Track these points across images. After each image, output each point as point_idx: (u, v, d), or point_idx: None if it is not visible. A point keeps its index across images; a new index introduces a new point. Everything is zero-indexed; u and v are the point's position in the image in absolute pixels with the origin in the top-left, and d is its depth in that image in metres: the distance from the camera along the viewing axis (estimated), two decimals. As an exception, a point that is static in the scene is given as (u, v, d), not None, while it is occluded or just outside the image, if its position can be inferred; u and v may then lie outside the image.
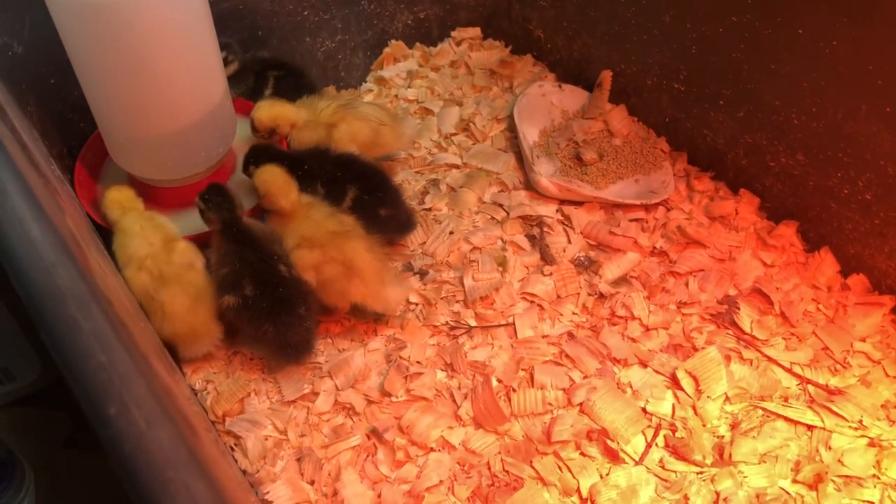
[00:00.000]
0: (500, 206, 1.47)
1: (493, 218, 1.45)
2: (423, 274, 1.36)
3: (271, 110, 1.36)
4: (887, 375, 1.21)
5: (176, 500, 0.47)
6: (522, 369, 1.23)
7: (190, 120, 1.20)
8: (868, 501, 1.09)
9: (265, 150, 1.33)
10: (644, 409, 1.18)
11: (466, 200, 1.47)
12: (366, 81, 1.75)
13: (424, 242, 1.41)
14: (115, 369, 0.50)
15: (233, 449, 1.16)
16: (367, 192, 1.29)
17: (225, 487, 0.68)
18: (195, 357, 1.23)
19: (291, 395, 1.21)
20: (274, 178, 1.23)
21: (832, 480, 1.10)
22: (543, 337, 1.28)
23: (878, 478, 1.11)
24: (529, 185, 1.49)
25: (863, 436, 1.15)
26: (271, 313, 1.16)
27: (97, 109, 1.20)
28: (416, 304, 1.32)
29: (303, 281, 1.19)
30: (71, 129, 1.37)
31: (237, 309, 1.16)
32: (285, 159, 1.31)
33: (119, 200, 1.21)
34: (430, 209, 1.47)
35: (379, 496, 1.10)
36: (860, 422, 1.16)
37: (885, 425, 1.16)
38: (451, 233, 1.42)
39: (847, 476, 1.11)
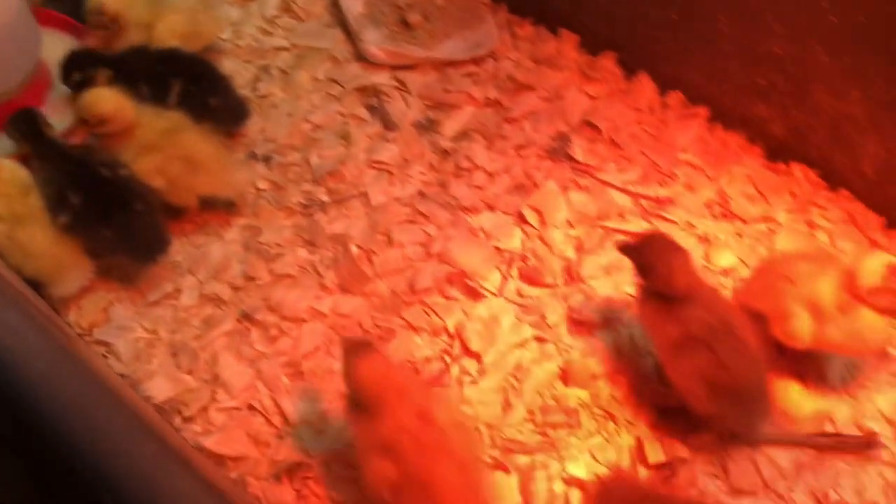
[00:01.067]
0: (335, 81, 1.47)
1: (329, 94, 1.46)
2: (267, 159, 1.37)
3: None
4: (708, 178, 1.32)
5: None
6: (380, 233, 1.28)
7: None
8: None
9: (87, 55, 1.28)
10: (497, 248, 1.25)
11: (300, 81, 1.47)
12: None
13: (264, 129, 1.40)
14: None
15: (106, 357, 1.16)
16: (193, 84, 1.26)
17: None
18: (69, 294, 1.19)
19: (155, 296, 1.21)
20: (107, 101, 1.19)
21: (669, 278, 1.21)
22: (396, 200, 1.32)
23: (708, 268, 1.23)
24: (361, 57, 1.49)
25: (692, 234, 1.26)
26: (104, 216, 1.14)
27: None
28: (265, 190, 1.33)
29: (132, 179, 1.17)
30: None
31: (73, 226, 1.14)
32: (108, 62, 1.27)
33: None
34: (265, 96, 1.46)
35: (259, 372, 1.14)
36: (689, 223, 1.27)
37: (710, 222, 1.28)
38: (289, 115, 1.42)
39: (681, 272, 1.22)
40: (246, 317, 1.19)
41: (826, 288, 1.02)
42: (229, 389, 1.12)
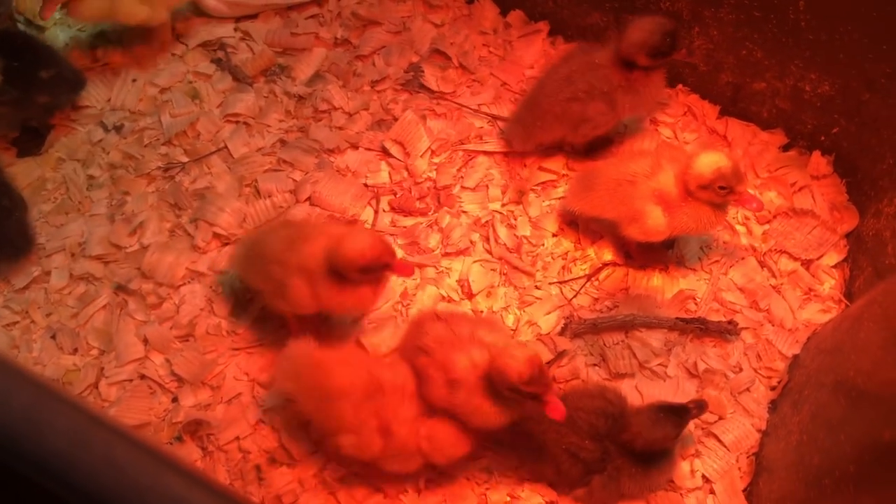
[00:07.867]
0: (177, 39, 1.43)
1: (173, 54, 1.42)
2: (119, 128, 1.33)
3: None
4: (556, 91, 1.38)
5: None
6: (246, 185, 1.27)
7: None
8: (560, 198, 1.27)
9: None
10: (365, 185, 1.28)
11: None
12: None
13: (110, 98, 1.36)
14: None
15: (-20, 350, 1.13)
16: (15, 59, 1.20)
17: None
18: None
19: (22, 282, 1.18)
20: None
21: (532, 190, 1.27)
22: (258, 150, 1.31)
23: (567, 176, 1.30)
24: (200, 11, 1.45)
25: (548, 145, 1.32)
26: None
27: None
28: (122, 159, 1.30)
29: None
30: None
31: None
32: None
33: None
34: (106, 64, 1.41)
35: (145, 341, 1.13)
36: (543, 134, 1.32)
37: (564, 129, 1.33)
38: (133, 80, 1.38)
39: (543, 182, 1.28)
40: (121, 289, 1.18)
41: (668, 178, 1.10)
42: (118, 362, 1.11)
